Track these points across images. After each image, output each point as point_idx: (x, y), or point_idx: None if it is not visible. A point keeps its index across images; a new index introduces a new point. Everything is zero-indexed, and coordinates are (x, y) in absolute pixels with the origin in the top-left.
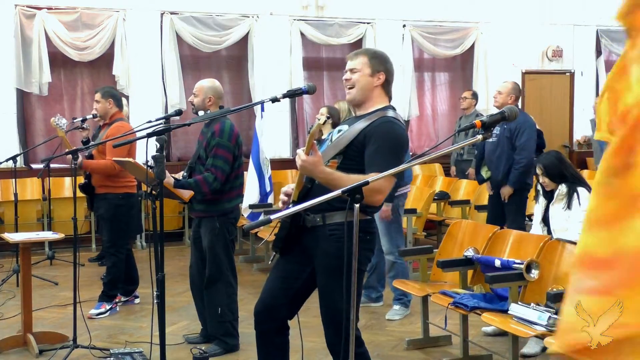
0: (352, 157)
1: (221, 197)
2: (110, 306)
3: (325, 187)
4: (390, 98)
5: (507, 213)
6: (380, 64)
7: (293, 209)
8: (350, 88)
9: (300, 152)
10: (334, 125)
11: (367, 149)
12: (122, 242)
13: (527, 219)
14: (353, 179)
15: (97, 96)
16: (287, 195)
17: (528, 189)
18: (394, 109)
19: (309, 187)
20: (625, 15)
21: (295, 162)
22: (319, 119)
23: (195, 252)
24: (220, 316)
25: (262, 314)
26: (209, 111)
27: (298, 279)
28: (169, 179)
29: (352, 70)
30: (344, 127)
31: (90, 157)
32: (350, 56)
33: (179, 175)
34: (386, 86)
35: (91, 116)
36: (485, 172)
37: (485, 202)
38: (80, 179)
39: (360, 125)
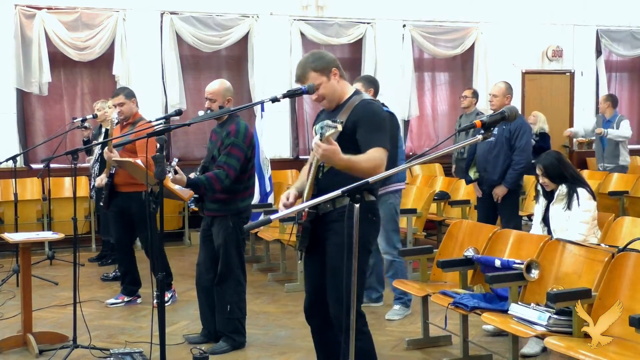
0: (346, 147)
1: (234, 197)
2: (170, 294)
3: (332, 181)
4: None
5: (502, 214)
6: (321, 62)
7: (293, 209)
8: (321, 102)
9: (318, 141)
10: None
11: (357, 133)
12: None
13: (526, 218)
14: (365, 159)
15: (120, 99)
16: (288, 200)
17: (520, 189)
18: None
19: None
20: None
21: (295, 162)
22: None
23: (205, 251)
24: (230, 313)
25: (309, 310)
26: None
27: (323, 274)
28: (182, 176)
29: (314, 93)
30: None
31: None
32: (296, 80)
33: (191, 175)
34: (341, 73)
35: (91, 116)
36: (473, 174)
37: None
38: (79, 179)
39: (343, 116)
